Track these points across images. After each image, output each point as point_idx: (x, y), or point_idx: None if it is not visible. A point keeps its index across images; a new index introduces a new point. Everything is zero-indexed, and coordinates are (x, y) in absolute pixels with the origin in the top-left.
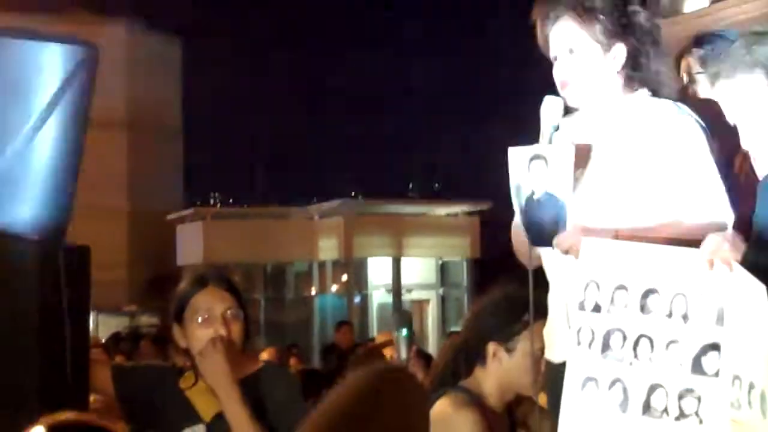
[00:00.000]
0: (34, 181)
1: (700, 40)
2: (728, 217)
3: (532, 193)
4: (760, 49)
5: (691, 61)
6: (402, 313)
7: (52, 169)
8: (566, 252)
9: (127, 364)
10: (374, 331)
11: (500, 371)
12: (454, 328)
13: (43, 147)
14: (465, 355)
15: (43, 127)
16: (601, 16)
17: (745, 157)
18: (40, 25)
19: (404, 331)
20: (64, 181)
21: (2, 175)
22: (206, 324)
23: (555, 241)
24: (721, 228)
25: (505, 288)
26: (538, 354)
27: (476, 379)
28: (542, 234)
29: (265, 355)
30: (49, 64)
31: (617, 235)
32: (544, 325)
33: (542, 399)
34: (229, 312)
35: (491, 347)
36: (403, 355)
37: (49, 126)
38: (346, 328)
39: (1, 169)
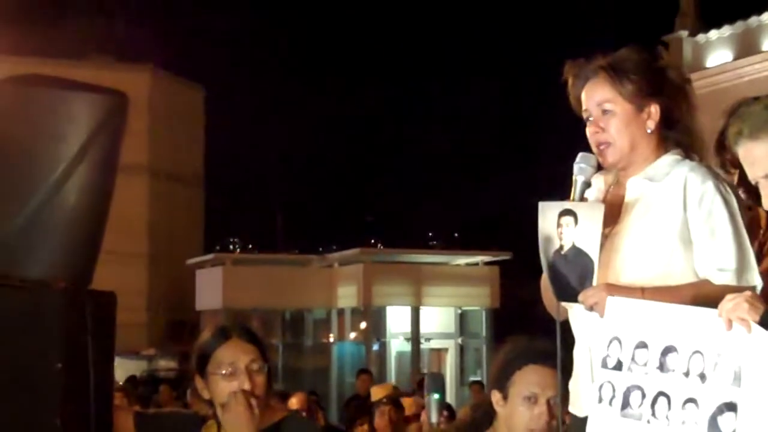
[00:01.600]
0: (62, 229)
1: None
2: (756, 280)
3: (560, 248)
4: None
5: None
6: (435, 377)
7: (80, 217)
8: (591, 308)
9: (150, 411)
10: (393, 379)
11: (504, 419)
12: (473, 378)
13: (71, 194)
14: (485, 405)
15: (72, 175)
16: (633, 76)
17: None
18: (65, 71)
19: (436, 395)
20: (91, 229)
21: (30, 222)
22: (230, 377)
23: (580, 297)
24: (750, 290)
25: (512, 339)
26: (528, 400)
27: (495, 430)
28: (568, 289)
29: (294, 401)
30: (79, 113)
31: (643, 294)
32: (536, 371)
33: None
34: (253, 365)
35: (494, 396)
36: (434, 418)
37: (79, 174)
38: (364, 376)
39: (28, 217)
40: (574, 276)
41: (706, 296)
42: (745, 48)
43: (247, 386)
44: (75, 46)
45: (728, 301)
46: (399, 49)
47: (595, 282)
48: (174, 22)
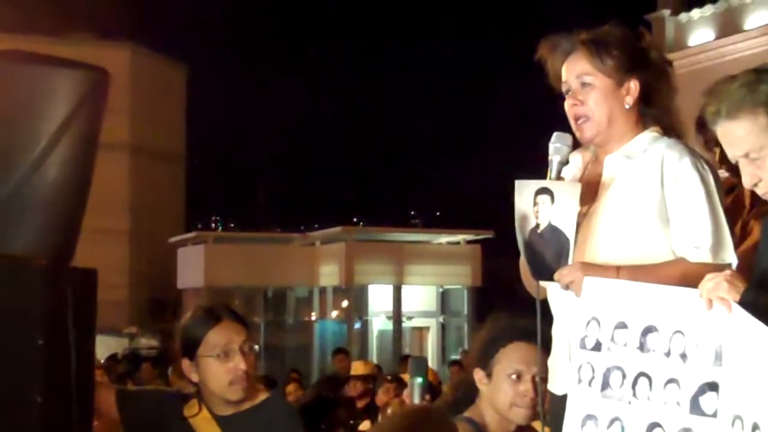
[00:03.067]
0: (43, 205)
1: None
2: (731, 258)
3: (537, 226)
4: (761, 88)
5: None
6: (419, 361)
7: (60, 194)
8: (567, 287)
9: (132, 389)
10: (374, 357)
11: (488, 397)
12: (454, 357)
13: (52, 171)
14: (466, 384)
15: (52, 152)
16: (615, 51)
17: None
18: (46, 48)
19: (419, 380)
20: (73, 205)
21: (10, 198)
22: (225, 359)
23: (556, 276)
24: (726, 268)
25: (494, 316)
26: (512, 377)
27: (477, 407)
28: (544, 267)
29: None
30: (60, 89)
31: (618, 273)
32: (520, 348)
33: None
34: (245, 345)
35: (476, 374)
36: (417, 401)
37: (59, 150)
38: (340, 356)
39: (9, 192)
40: (550, 254)
41: (682, 275)
42: (728, 27)
43: (243, 367)
44: (56, 23)
45: (708, 281)
46: (382, 29)
47: (570, 261)
48: None
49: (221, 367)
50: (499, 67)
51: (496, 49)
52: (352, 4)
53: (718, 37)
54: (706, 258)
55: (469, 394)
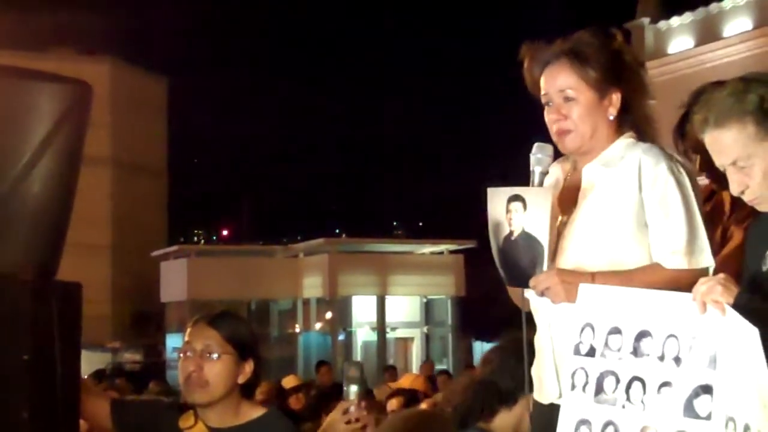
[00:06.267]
0: (27, 220)
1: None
2: (707, 262)
3: (510, 234)
4: (749, 97)
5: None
6: (355, 366)
7: (44, 208)
8: (542, 294)
9: (128, 398)
10: None
11: (524, 413)
12: (439, 367)
13: (35, 186)
14: (498, 396)
15: (35, 166)
16: (596, 63)
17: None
18: (26, 63)
19: (354, 387)
20: (56, 220)
21: None
22: (185, 359)
23: (532, 282)
24: (702, 273)
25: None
26: None
27: (500, 420)
28: (519, 274)
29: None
30: (43, 104)
31: (593, 280)
32: None
33: None
34: (207, 351)
35: None
36: (353, 409)
37: (43, 164)
38: (324, 368)
39: None
40: (525, 261)
41: (655, 280)
42: (707, 35)
43: (190, 368)
44: (36, 38)
45: (702, 284)
46: (359, 43)
47: (545, 267)
48: (136, 13)
49: (180, 365)
50: (482, 79)
51: (478, 60)
52: (333, 18)
53: (697, 45)
54: (681, 262)
55: (498, 404)
